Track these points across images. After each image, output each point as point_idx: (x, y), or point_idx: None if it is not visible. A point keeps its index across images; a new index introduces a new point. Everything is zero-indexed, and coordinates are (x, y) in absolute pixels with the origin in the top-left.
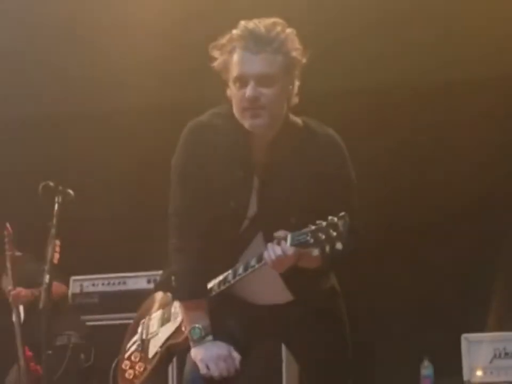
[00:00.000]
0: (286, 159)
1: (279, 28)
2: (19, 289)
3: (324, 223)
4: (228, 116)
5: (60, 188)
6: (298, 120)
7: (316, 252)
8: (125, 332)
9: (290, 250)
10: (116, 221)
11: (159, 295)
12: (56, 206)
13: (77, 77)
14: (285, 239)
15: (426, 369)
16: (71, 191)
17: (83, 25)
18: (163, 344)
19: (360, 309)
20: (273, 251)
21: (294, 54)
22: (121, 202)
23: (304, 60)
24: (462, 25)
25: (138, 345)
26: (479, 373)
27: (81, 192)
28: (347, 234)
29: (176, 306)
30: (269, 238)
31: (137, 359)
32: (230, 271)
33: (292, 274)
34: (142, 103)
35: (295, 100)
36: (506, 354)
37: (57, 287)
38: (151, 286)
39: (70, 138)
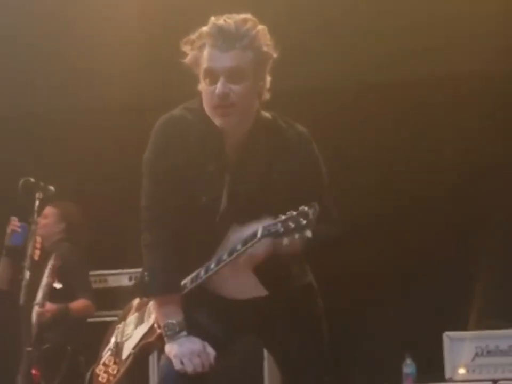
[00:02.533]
0: (257, 155)
1: (249, 24)
2: (47, 306)
3: (294, 213)
4: (200, 111)
5: (41, 184)
6: (268, 115)
7: (286, 240)
8: (106, 329)
9: (263, 249)
10: (96, 218)
11: (135, 301)
12: (36, 202)
13: (61, 74)
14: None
15: (409, 367)
16: (51, 187)
17: (67, 23)
18: (136, 345)
19: (341, 307)
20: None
21: (265, 49)
22: (102, 200)
23: (275, 55)
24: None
25: (112, 350)
26: (461, 370)
27: (62, 189)
28: (316, 222)
29: (150, 307)
30: (243, 229)
31: (111, 363)
32: (202, 267)
33: (266, 270)
34: (126, 100)
35: (266, 95)
36: (488, 352)
37: (91, 309)
38: (133, 283)
39: (50, 134)
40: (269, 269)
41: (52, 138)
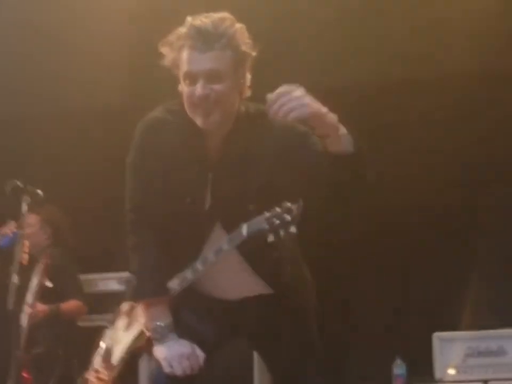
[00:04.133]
0: (237, 151)
1: (227, 23)
2: (38, 307)
3: (279, 209)
4: (181, 112)
5: (29, 187)
6: (249, 109)
7: (271, 237)
8: (95, 334)
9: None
10: (85, 222)
11: (124, 306)
12: (24, 206)
13: (46, 77)
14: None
15: (399, 368)
16: (39, 191)
17: (52, 26)
18: (126, 349)
19: (332, 308)
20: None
21: (244, 48)
22: (90, 204)
23: (253, 54)
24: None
25: (103, 355)
26: (451, 371)
27: (49, 192)
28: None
29: (138, 312)
30: (228, 224)
31: (102, 368)
32: (189, 268)
33: (257, 269)
34: (114, 102)
35: (247, 92)
36: (478, 352)
37: (83, 310)
38: (122, 287)
39: (38, 137)
40: (261, 268)
41: (39, 142)
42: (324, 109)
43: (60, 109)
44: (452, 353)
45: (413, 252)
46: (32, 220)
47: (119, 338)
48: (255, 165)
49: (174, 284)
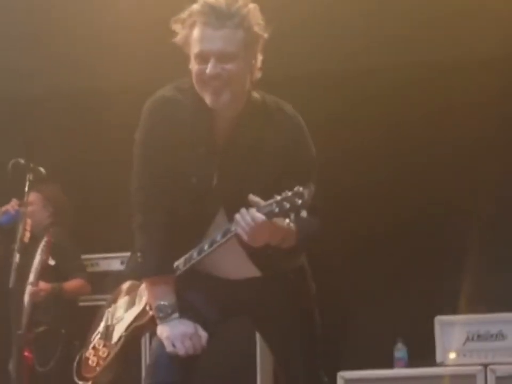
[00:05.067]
0: (248, 136)
1: (240, 3)
2: (41, 285)
3: (290, 193)
4: (191, 90)
5: (31, 165)
6: (257, 96)
7: (281, 221)
8: (96, 313)
9: (262, 218)
10: (88, 202)
11: (125, 285)
12: (27, 184)
13: (50, 56)
14: (256, 206)
15: (400, 351)
16: (42, 169)
17: (58, 6)
18: (127, 327)
19: (333, 291)
20: (244, 221)
21: (256, 29)
22: (93, 183)
23: (266, 35)
24: None
25: (102, 333)
26: (452, 355)
27: (53, 172)
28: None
29: (141, 290)
30: (230, 212)
31: (100, 346)
32: (195, 248)
33: (259, 251)
34: (118, 83)
35: (258, 74)
36: (479, 336)
37: (86, 288)
38: (124, 266)
39: (41, 116)
40: (262, 250)
41: (42, 121)
42: (277, 232)
43: (66, 89)
44: (453, 337)
45: (414, 236)
46: (34, 198)
47: (120, 316)
48: (262, 153)
49: (180, 263)
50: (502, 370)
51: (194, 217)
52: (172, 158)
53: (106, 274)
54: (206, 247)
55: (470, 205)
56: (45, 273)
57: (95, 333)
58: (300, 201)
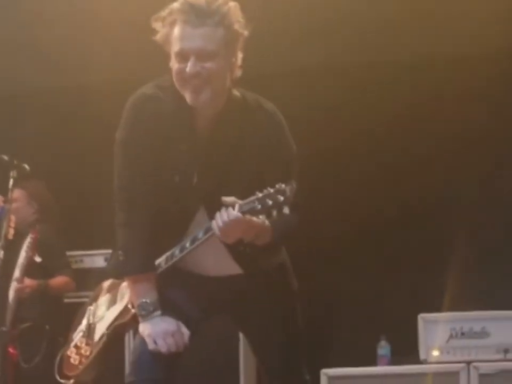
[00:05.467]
0: (228, 134)
1: (220, 1)
2: (26, 282)
3: (272, 190)
4: (171, 88)
5: (15, 162)
6: (237, 93)
7: (263, 218)
8: (78, 311)
9: (237, 215)
10: (72, 199)
11: (106, 283)
12: (11, 181)
13: (36, 52)
14: (233, 206)
15: (383, 348)
16: (26, 166)
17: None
18: (110, 325)
19: (316, 289)
20: (220, 218)
21: (236, 27)
22: (77, 180)
23: (246, 33)
24: None
25: (84, 331)
26: (435, 352)
27: (37, 169)
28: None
29: (123, 288)
30: (211, 211)
31: (83, 344)
32: (177, 246)
33: (240, 248)
34: (106, 78)
35: (238, 72)
36: (462, 334)
37: (71, 285)
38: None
39: (25, 113)
40: (238, 246)
41: (26, 118)
42: (250, 229)
43: (49, 86)
44: (436, 334)
45: (398, 233)
46: (18, 195)
47: (101, 315)
48: (243, 150)
49: (161, 261)
50: (485, 367)
51: (175, 215)
52: (154, 156)
53: (90, 271)
54: (187, 244)
55: (454, 203)
56: (31, 269)
57: (77, 331)
58: (282, 198)
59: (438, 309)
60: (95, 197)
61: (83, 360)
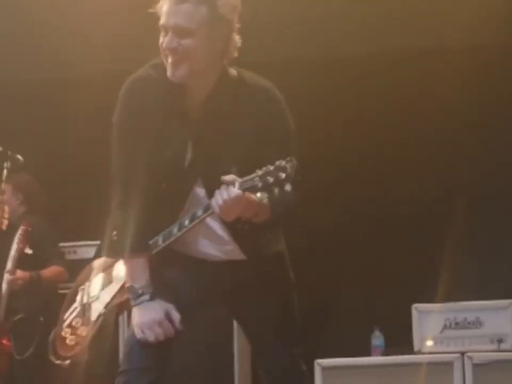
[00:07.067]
0: (223, 110)
1: None
2: (18, 273)
3: (272, 167)
4: (163, 65)
5: (9, 153)
6: (234, 72)
7: (264, 195)
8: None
9: (237, 193)
10: (65, 189)
11: (97, 262)
12: (4, 172)
13: (31, 43)
14: (233, 183)
15: (377, 339)
16: (20, 157)
17: None
18: (107, 305)
19: (310, 280)
20: (220, 195)
21: (222, 10)
22: (71, 171)
23: (235, 17)
24: None
25: (79, 311)
26: (429, 343)
27: (31, 159)
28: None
29: (118, 268)
30: (208, 185)
31: (78, 325)
32: (175, 224)
33: (241, 231)
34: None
35: (233, 53)
36: (456, 324)
37: (64, 274)
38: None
39: (18, 104)
40: (243, 231)
41: (20, 108)
42: (249, 206)
43: (44, 75)
44: (430, 324)
45: (392, 223)
46: (3, 188)
47: (96, 295)
48: (237, 123)
49: (158, 239)
50: (479, 357)
51: (170, 192)
52: (147, 133)
53: (83, 262)
54: (186, 222)
55: (448, 194)
56: (23, 261)
57: (69, 312)
58: (283, 175)
59: (432, 299)
60: (88, 188)
61: (79, 340)
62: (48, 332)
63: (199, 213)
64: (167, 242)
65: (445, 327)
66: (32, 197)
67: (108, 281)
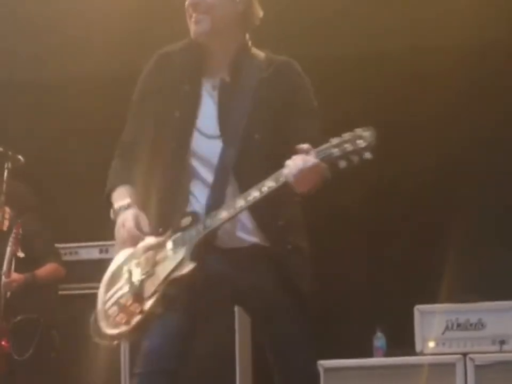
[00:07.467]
0: (246, 79)
1: None
2: (14, 276)
3: (348, 135)
4: (190, 38)
5: (10, 153)
6: (257, 49)
7: (343, 163)
8: (76, 302)
9: (314, 162)
10: (67, 190)
11: (147, 241)
12: (5, 172)
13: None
14: (307, 153)
15: (379, 340)
16: (21, 157)
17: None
18: (164, 279)
19: (312, 281)
20: (295, 166)
21: None
22: (71, 170)
23: None
24: None
25: (129, 288)
26: (431, 344)
27: (32, 161)
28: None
29: (177, 242)
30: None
31: (129, 302)
32: (239, 196)
33: (268, 225)
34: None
35: (254, 21)
36: (458, 325)
37: (60, 271)
38: (103, 256)
39: (20, 104)
40: (271, 226)
41: (21, 108)
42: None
43: (44, 75)
44: (432, 325)
45: (394, 224)
46: None
47: (149, 271)
48: (260, 94)
49: (222, 212)
50: (481, 359)
51: (180, 151)
52: (157, 96)
53: (85, 263)
54: (256, 193)
55: (449, 195)
56: (18, 263)
57: (113, 291)
58: (363, 144)
59: (434, 301)
60: (89, 189)
61: (131, 316)
62: (48, 333)
63: (270, 183)
64: (233, 215)
65: (447, 328)
66: (15, 198)
67: (162, 258)
